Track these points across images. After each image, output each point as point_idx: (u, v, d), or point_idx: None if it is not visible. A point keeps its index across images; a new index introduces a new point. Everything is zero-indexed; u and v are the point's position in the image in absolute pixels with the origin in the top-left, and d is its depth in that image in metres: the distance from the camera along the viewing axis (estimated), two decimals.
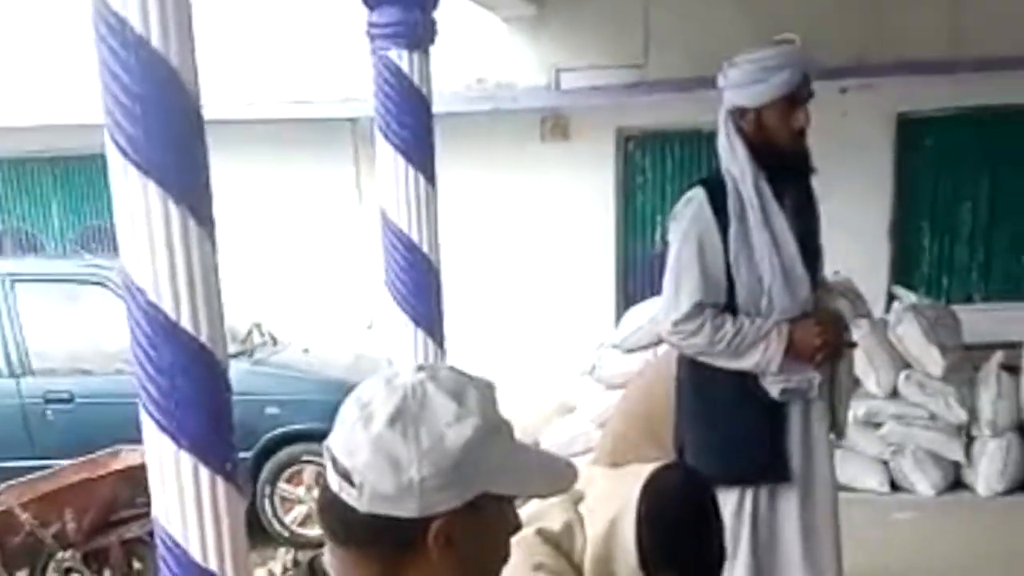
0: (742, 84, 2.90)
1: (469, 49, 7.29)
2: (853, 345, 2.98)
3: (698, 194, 2.94)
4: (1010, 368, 5.84)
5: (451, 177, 7.29)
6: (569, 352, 7.04)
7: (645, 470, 1.95)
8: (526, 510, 1.84)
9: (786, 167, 2.92)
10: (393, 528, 1.19)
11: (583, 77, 7.24)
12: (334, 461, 1.21)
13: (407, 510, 1.18)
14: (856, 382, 5.81)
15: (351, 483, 1.19)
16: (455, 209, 7.31)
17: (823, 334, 2.91)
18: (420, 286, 3.79)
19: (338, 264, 7.87)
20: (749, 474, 2.96)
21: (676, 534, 1.87)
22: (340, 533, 1.25)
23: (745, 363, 2.91)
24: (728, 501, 2.89)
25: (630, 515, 1.87)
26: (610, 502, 1.92)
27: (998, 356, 5.91)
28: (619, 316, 6.89)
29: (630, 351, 5.98)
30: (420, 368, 1.25)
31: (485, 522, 1.25)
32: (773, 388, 2.93)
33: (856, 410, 5.80)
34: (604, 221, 7.63)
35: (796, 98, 2.87)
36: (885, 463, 5.92)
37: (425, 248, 3.76)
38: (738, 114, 2.92)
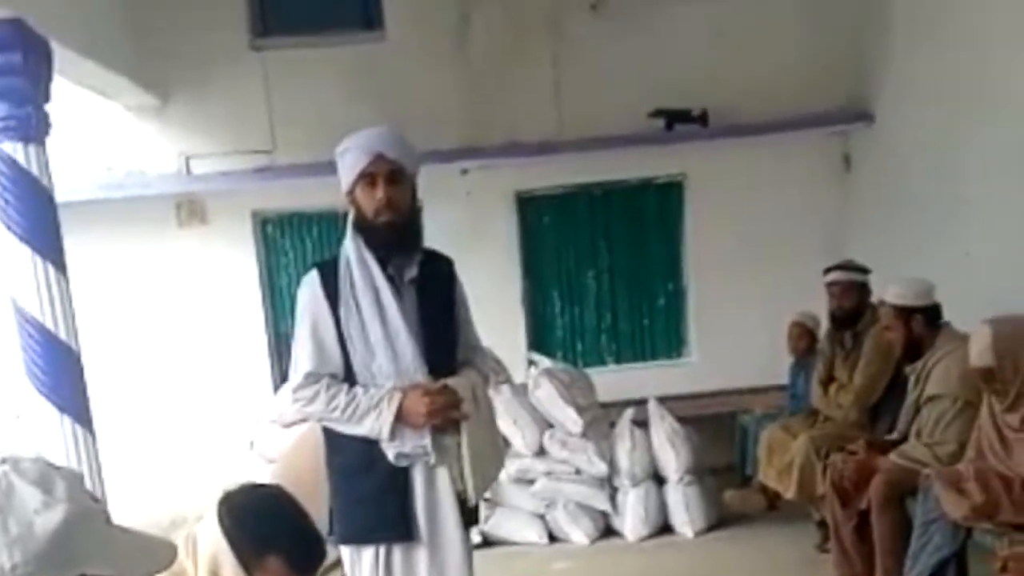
0: (340, 171, 3.12)
1: (96, 138, 7.13)
2: (464, 417, 3.08)
3: (311, 276, 3.14)
4: (640, 423, 6.22)
5: (94, 265, 7.01)
6: (231, 430, 6.88)
7: None
8: None
9: (379, 242, 3.06)
10: None
11: (214, 162, 7.21)
12: None
13: None
14: (505, 443, 6.04)
15: None
16: (101, 296, 7.11)
17: (431, 404, 3.02)
18: (62, 373, 3.89)
19: None
20: (381, 532, 3.13)
21: (261, 520, 1.96)
22: None
23: (361, 429, 3.06)
24: (367, 557, 3.13)
25: (222, 544, 1.92)
26: (208, 549, 1.97)
27: (629, 412, 6.29)
28: (276, 392, 6.78)
29: (288, 425, 5.81)
30: (2, 460, 1.27)
31: None
32: (390, 452, 3.08)
33: (509, 469, 6.02)
34: (251, 301, 7.52)
35: (373, 176, 3.03)
36: (541, 517, 6.10)
37: (63, 336, 3.82)
38: (349, 199, 3.12)
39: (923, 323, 4.38)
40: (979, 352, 3.79)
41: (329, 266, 3.12)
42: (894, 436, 4.62)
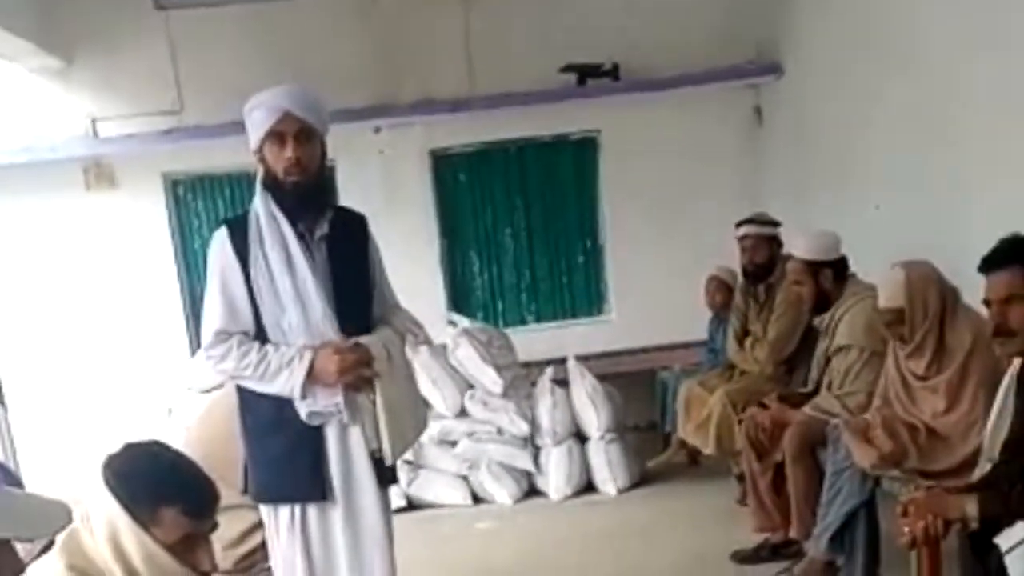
0: (248, 130, 3.09)
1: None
2: (376, 375, 3.07)
3: (220, 233, 3.11)
4: (560, 382, 6.25)
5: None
6: (149, 397, 6.77)
7: None
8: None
9: (289, 200, 3.03)
10: None
11: (122, 125, 7.04)
12: None
13: None
14: (426, 404, 6.01)
15: None
16: (8, 263, 7.07)
17: (342, 362, 3.00)
18: None
19: None
20: (293, 492, 3.11)
21: (146, 476, 1.95)
22: None
23: (273, 387, 3.04)
24: (283, 516, 3.12)
25: (115, 509, 1.91)
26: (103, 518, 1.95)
27: (549, 371, 6.31)
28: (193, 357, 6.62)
29: (207, 391, 5.71)
30: None
31: None
32: (302, 411, 3.06)
33: (431, 431, 5.96)
34: (164, 265, 7.37)
35: (282, 133, 3.01)
36: (465, 478, 6.11)
37: None
38: (258, 156, 3.09)
39: (831, 277, 4.42)
40: (891, 293, 3.81)
41: (239, 223, 3.09)
42: (808, 388, 4.69)
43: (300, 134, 3.01)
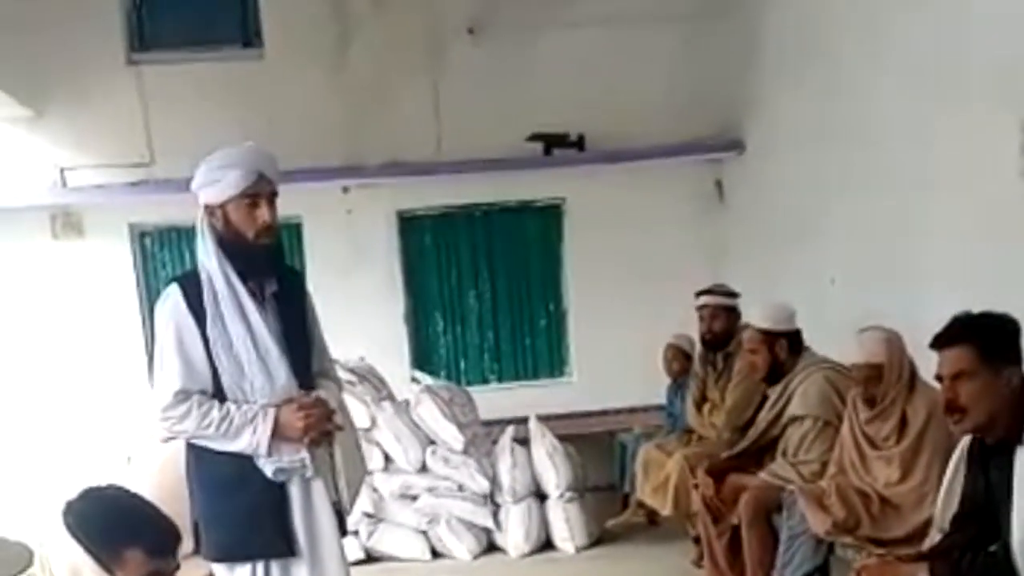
0: (205, 184, 3.06)
1: None
2: (339, 428, 3.13)
3: (173, 290, 3.08)
4: (521, 441, 6.32)
5: None
6: (108, 445, 6.55)
7: None
8: None
9: (256, 262, 3.07)
10: None
11: (90, 175, 7.10)
12: None
13: None
14: (388, 459, 6.10)
15: None
16: None
17: (306, 418, 3.04)
18: None
19: None
20: (257, 549, 3.09)
21: (108, 519, 2.00)
22: None
23: (237, 445, 3.03)
24: (242, 574, 3.09)
25: (78, 554, 1.95)
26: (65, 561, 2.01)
27: (510, 430, 6.38)
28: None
29: (166, 440, 5.68)
30: None
31: None
32: (267, 468, 3.07)
33: (392, 485, 6.09)
34: (129, 316, 7.39)
35: (256, 195, 3.03)
36: (424, 532, 6.14)
37: None
38: (209, 212, 3.07)
39: (786, 347, 4.56)
40: (872, 350, 3.88)
41: (191, 280, 3.07)
42: (736, 450, 4.79)
43: (271, 196, 3.07)
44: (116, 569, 1.95)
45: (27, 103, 6.81)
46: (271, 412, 3.02)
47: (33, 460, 6.90)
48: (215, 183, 3.03)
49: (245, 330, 3.02)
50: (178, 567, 2.06)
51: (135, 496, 2.09)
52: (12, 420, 7.03)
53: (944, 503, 3.15)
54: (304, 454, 3.07)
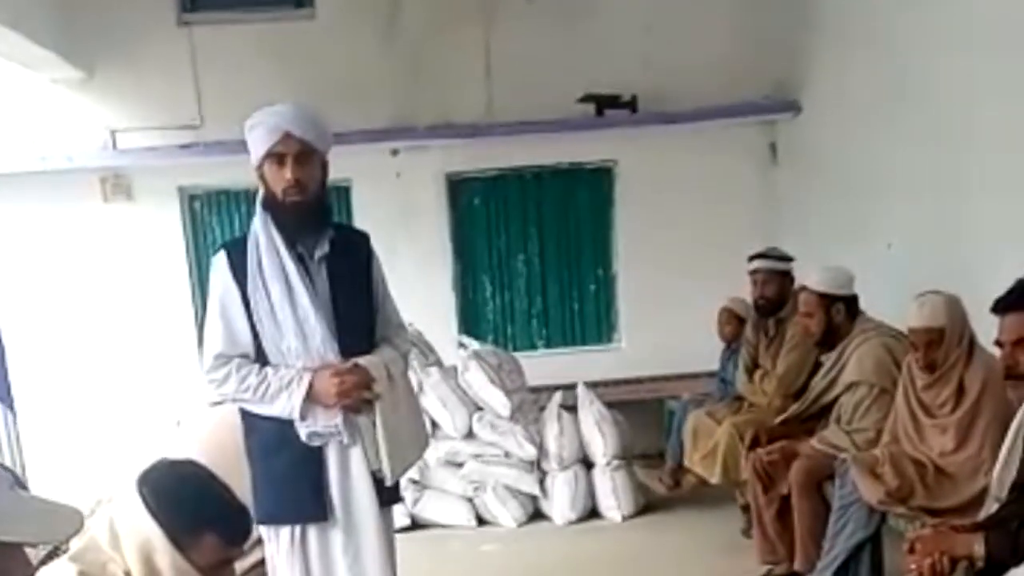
0: (250, 147, 3.09)
1: (20, 111, 7.01)
2: (376, 396, 3.09)
3: (219, 257, 3.14)
4: (569, 407, 6.26)
5: (16, 239, 7.05)
6: (158, 409, 6.73)
7: None
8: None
9: (290, 222, 3.05)
10: None
11: (140, 137, 7.09)
12: None
13: None
14: (435, 425, 6.07)
15: None
16: (24, 272, 7.12)
17: (340, 384, 3.02)
18: None
19: None
20: (293, 513, 3.13)
21: (190, 498, 1.96)
22: None
23: (273, 409, 3.06)
24: (284, 536, 3.14)
25: (150, 527, 1.90)
26: (137, 535, 1.94)
27: (557, 396, 6.32)
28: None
29: (215, 404, 5.73)
30: None
31: None
32: (302, 432, 3.08)
33: (438, 452, 6.06)
34: (178, 279, 7.41)
35: (281, 155, 3.01)
36: (470, 499, 6.13)
37: None
38: (259, 174, 3.10)
39: (843, 311, 4.47)
40: (932, 313, 3.78)
41: (238, 246, 3.12)
42: (788, 414, 4.74)
43: (300, 155, 3.02)
44: (191, 550, 1.92)
45: (78, 65, 6.84)
46: (306, 377, 3.03)
47: (82, 423, 7.04)
48: (251, 144, 3.07)
49: (285, 292, 3.03)
50: (241, 554, 2.08)
51: (214, 478, 2.06)
52: (61, 382, 7.13)
53: (1001, 472, 3.04)
54: (338, 420, 3.07)
